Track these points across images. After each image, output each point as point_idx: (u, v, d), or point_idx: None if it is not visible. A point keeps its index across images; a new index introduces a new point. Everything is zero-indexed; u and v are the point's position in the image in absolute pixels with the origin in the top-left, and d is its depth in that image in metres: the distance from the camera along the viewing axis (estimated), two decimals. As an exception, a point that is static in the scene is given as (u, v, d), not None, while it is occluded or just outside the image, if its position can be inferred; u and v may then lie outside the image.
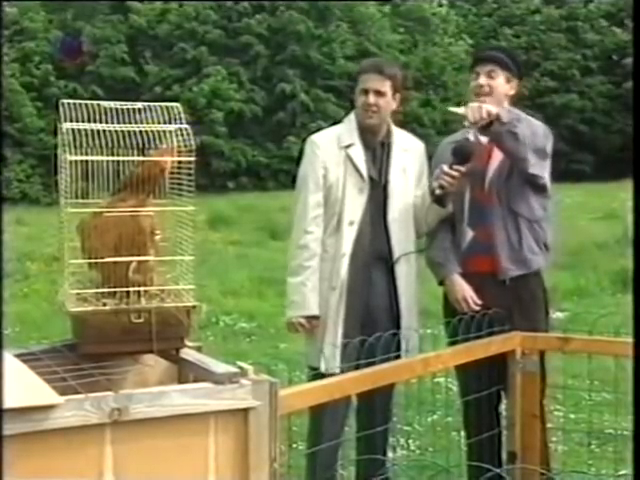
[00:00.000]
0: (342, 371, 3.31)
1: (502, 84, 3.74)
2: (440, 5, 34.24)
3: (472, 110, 3.47)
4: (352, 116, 3.80)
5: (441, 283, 3.82)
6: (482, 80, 3.72)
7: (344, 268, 3.64)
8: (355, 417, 3.81)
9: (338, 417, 3.63)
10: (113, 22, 28.84)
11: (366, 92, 3.70)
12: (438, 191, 3.57)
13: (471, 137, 3.78)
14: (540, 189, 3.72)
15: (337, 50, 29.76)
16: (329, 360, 3.52)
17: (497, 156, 3.71)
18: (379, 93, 3.69)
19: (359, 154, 3.70)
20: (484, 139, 3.74)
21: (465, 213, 3.71)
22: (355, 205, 3.67)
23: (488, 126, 3.48)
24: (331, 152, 3.71)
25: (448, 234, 3.75)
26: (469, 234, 3.70)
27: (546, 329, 3.73)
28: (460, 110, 3.53)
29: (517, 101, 3.89)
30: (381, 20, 31.08)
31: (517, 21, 34.70)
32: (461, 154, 3.58)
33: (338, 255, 3.65)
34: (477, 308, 3.61)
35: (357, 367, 3.13)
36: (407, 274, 3.72)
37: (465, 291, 3.67)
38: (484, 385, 3.56)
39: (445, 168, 3.55)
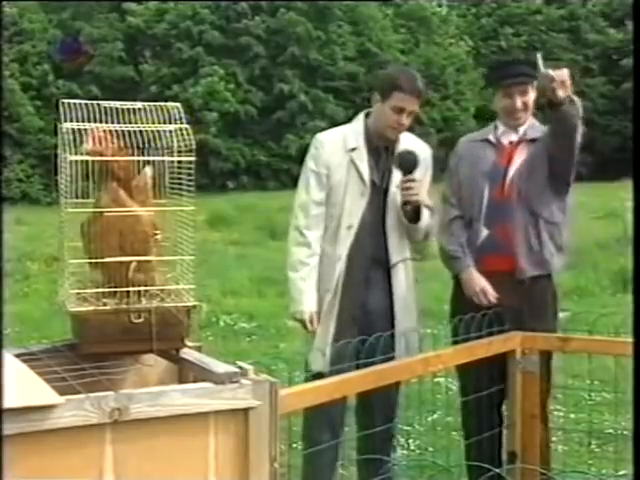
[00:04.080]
0: (331, 373, 3.22)
1: (532, 96, 3.74)
2: (439, 5, 34.27)
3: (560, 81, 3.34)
4: (361, 117, 3.74)
5: (455, 277, 3.81)
6: (519, 103, 3.71)
7: (339, 271, 3.61)
8: (355, 417, 3.80)
9: (332, 420, 3.59)
10: (110, 21, 28.87)
11: (401, 111, 3.57)
12: (406, 206, 3.58)
13: (492, 138, 3.78)
14: (562, 191, 3.72)
15: (337, 51, 29.77)
16: (319, 360, 3.49)
17: (519, 157, 3.71)
18: (412, 113, 3.62)
19: (363, 158, 3.64)
20: (505, 140, 3.74)
21: (482, 212, 3.70)
22: (354, 209, 3.62)
23: (558, 105, 3.39)
24: (336, 153, 3.66)
25: (463, 230, 3.75)
26: (483, 232, 3.69)
27: (555, 330, 3.72)
28: (550, 72, 3.35)
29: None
30: (382, 20, 31.10)
31: (517, 20, 34.70)
32: (402, 166, 3.57)
33: (334, 258, 3.62)
34: (494, 301, 3.61)
35: (356, 368, 3.11)
36: (405, 279, 3.68)
37: (482, 284, 3.66)
38: (486, 384, 3.56)
39: (399, 181, 3.57)
